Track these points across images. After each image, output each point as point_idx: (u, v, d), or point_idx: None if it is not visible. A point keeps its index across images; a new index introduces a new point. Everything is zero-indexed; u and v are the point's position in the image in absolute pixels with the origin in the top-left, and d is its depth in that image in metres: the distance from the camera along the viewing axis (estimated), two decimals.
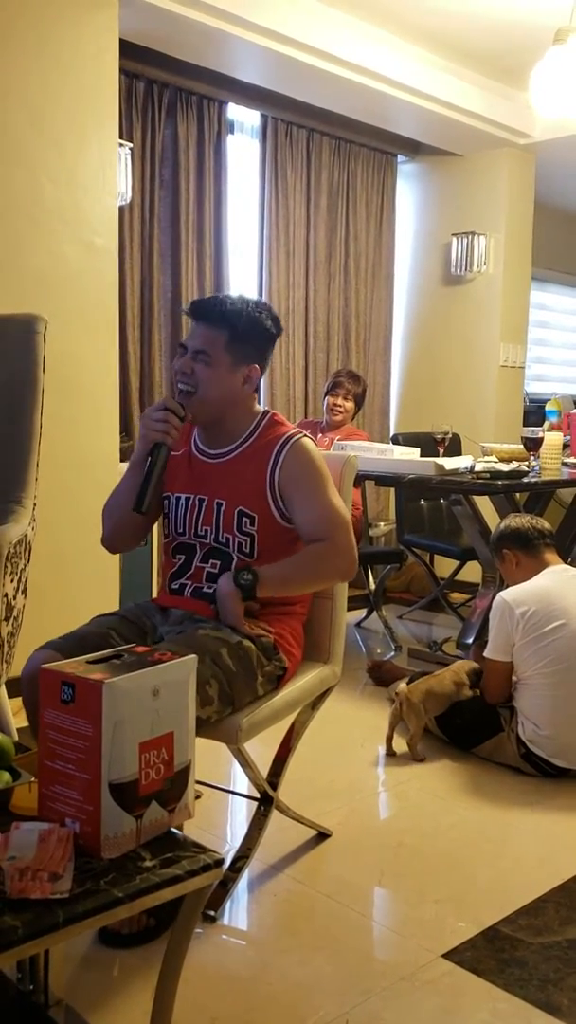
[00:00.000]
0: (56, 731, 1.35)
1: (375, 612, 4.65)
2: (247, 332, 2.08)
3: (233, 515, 2.10)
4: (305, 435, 2.16)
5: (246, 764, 2.12)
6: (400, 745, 3.03)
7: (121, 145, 3.70)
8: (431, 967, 1.88)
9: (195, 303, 2.13)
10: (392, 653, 4.26)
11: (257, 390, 2.20)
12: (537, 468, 3.79)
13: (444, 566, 4.96)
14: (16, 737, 2.45)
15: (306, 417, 4.97)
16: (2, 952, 1.14)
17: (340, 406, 4.39)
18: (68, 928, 1.21)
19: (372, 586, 4.64)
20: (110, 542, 2.26)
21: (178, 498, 2.18)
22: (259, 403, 2.26)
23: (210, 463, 2.17)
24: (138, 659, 1.42)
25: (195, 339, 2.08)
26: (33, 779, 1.47)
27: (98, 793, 1.31)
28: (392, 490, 5.16)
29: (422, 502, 4.86)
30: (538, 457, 3.82)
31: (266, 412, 2.20)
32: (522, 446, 3.90)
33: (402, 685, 3.01)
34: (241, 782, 2.75)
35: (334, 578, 2.16)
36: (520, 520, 3.10)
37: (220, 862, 1.39)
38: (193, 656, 1.48)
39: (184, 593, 2.15)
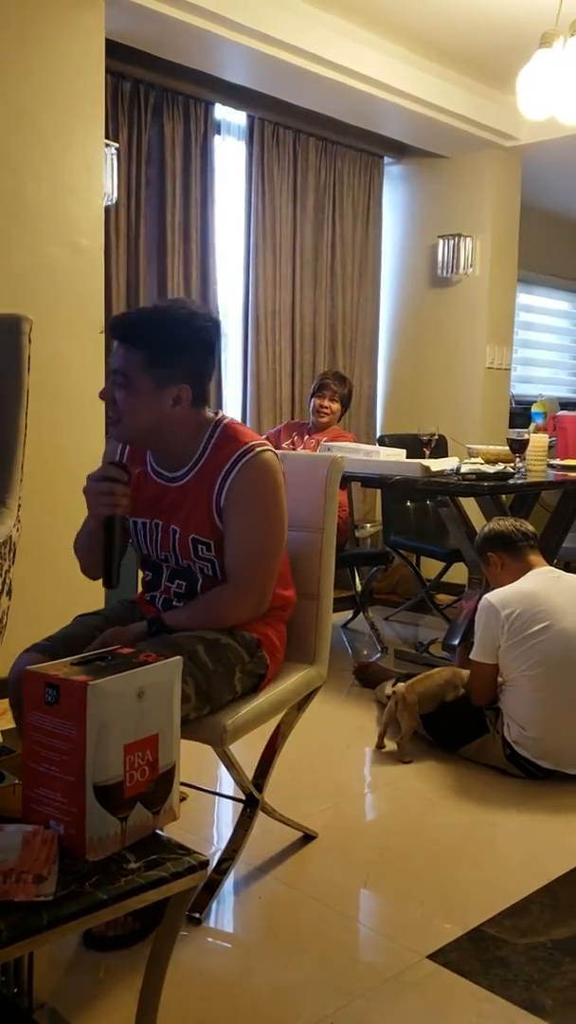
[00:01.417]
0: (40, 733, 1.34)
1: (361, 613, 4.65)
2: (169, 349, 1.90)
3: (188, 543, 2.02)
4: (262, 449, 1.98)
5: (231, 766, 2.11)
6: (388, 744, 3.04)
7: (107, 145, 3.69)
8: (416, 968, 1.88)
9: (112, 320, 1.94)
10: (378, 654, 4.26)
11: (205, 402, 2.01)
12: (523, 470, 3.80)
13: (430, 567, 4.97)
14: (0, 739, 2.44)
15: (292, 419, 4.97)
16: None
17: (326, 407, 4.39)
18: (53, 930, 1.20)
19: (358, 587, 4.64)
20: (88, 574, 2.16)
21: (135, 522, 2.10)
22: (213, 409, 2.08)
23: (164, 486, 2.06)
24: (123, 661, 1.41)
25: (114, 358, 1.91)
26: (17, 781, 1.47)
27: (82, 795, 1.31)
28: (378, 491, 5.17)
29: (408, 503, 4.87)
30: (524, 459, 3.83)
31: (218, 424, 2.03)
32: (508, 448, 3.90)
33: (399, 684, 3.01)
34: (226, 784, 2.75)
35: (238, 621, 2.05)
36: (504, 523, 3.11)
37: (205, 864, 1.38)
38: (178, 658, 1.48)
39: (156, 604, 2.15)
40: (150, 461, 2.10)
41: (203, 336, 1.95)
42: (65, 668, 1.36)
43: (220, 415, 2.07)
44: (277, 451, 2.08)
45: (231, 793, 2.62)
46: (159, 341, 1.89)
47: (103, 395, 1.96)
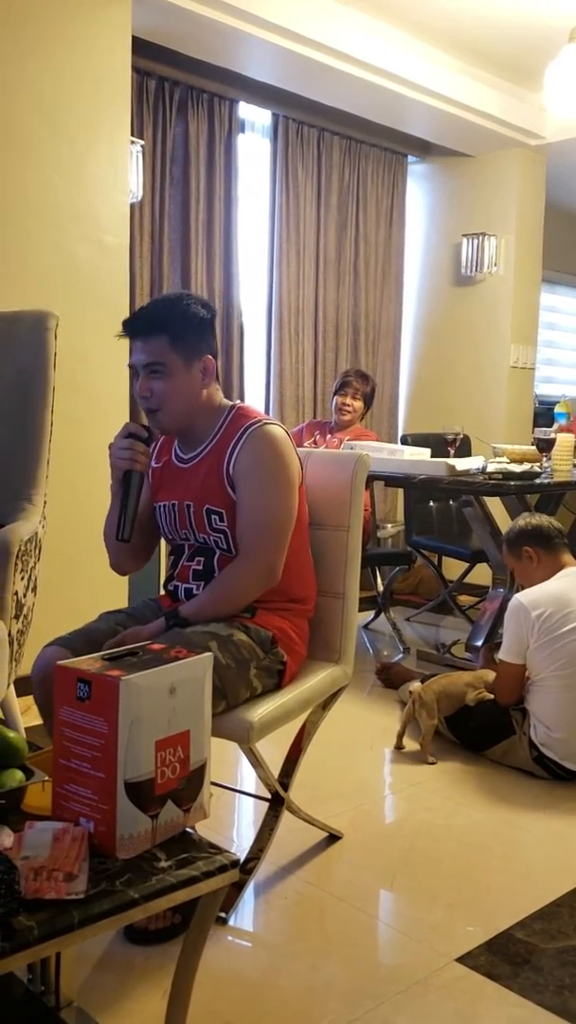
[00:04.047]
0: (71, 729, 1.33)
1: (383, 614, 4.62)
2: (185, 327, 2.02)
3: (202, 514, 2.08)
4: (270, 423, 2.08)
5: (258, 764, 2.09)
6: (411, 745, 3.02)
7: (132, 143, 3.68)
8: (444, 971, 1.86)
9: (126, 322, 2.05)
10: (400, 655, 4.24)
11: (217, 379, 2.15)
12: (549, 469, 3.76)
13: (452, 568, 4.94)
14: (24, 735, 2.43)
15: (315, 417, 4.95)
16: (17, 953, 1.12)
17: (349, 406, 4.36)
18: (83, 929, 1.18)
19: (380, 588, 4.62)
20: (116, 568, 2.27)
21: (162, 506, 2.18)
22: (224, 394, 2.22)
23: (182, 467, 2.16)
24: (154, 656, 1.40)
25: (140, 354, 2.03)
26: (47, 778, 1.46)
27: (113, 792, 1.29)
28: (400, 491, 5.14)
29: (431, 503, 4.84)
30: (550, 459, 3.79)
31: (233, 406, 2.15)
32: (534, 447, 3.87)
33: (416, 684, 2.99)
34: (248, 782, 2.73)
35: (251, 596, 2.07)
36: (540, 519, 3.08)
37: (236, 863, 1.36)
38: (209, 654, 1.46)
39: (178, 595, 2.15)
40: (175, 449, 2.20)
41: (202, 315, 2.06)
42: (97, 663, 1.35)
43: (235, 401, 2.18)
44: (293, 441, 2.15)
45: (254, 791, 2.60)
46: (175, 322, 2.01)
47: (139, 392, 2.04)
